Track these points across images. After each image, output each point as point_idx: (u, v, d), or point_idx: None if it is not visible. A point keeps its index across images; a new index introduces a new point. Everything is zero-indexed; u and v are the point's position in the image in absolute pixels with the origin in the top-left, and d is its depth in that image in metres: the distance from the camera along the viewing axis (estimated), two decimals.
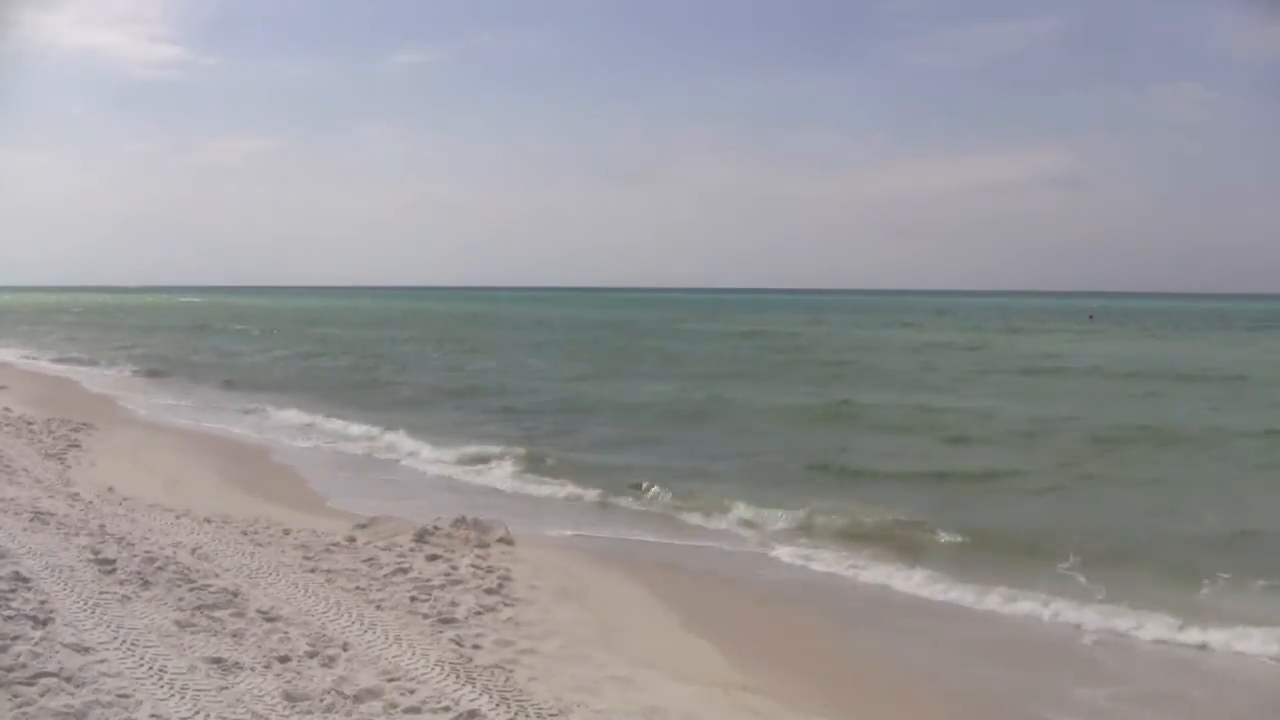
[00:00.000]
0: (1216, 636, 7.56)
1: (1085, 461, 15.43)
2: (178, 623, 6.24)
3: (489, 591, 7.98)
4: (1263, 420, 18.84)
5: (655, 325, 65.61)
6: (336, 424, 18.78)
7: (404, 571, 8.34)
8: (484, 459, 15.10)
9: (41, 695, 4.90)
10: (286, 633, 6.36)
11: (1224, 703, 6.79)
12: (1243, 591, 8.68)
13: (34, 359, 34.35)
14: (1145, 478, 14.21)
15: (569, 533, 10.91)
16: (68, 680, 5.09)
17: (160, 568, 7.44)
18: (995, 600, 8.53)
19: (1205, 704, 6.72)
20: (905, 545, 10.30)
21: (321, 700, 5.30)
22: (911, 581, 9.13)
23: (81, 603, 6.38)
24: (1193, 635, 7.64)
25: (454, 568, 8.58)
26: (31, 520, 8.61)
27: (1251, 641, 7.44)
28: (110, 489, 11.31)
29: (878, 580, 9.29)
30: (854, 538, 10.59)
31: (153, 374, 29.58)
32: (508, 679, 6.01)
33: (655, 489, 12.62)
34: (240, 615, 6.60)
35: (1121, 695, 6.81)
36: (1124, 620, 7.90)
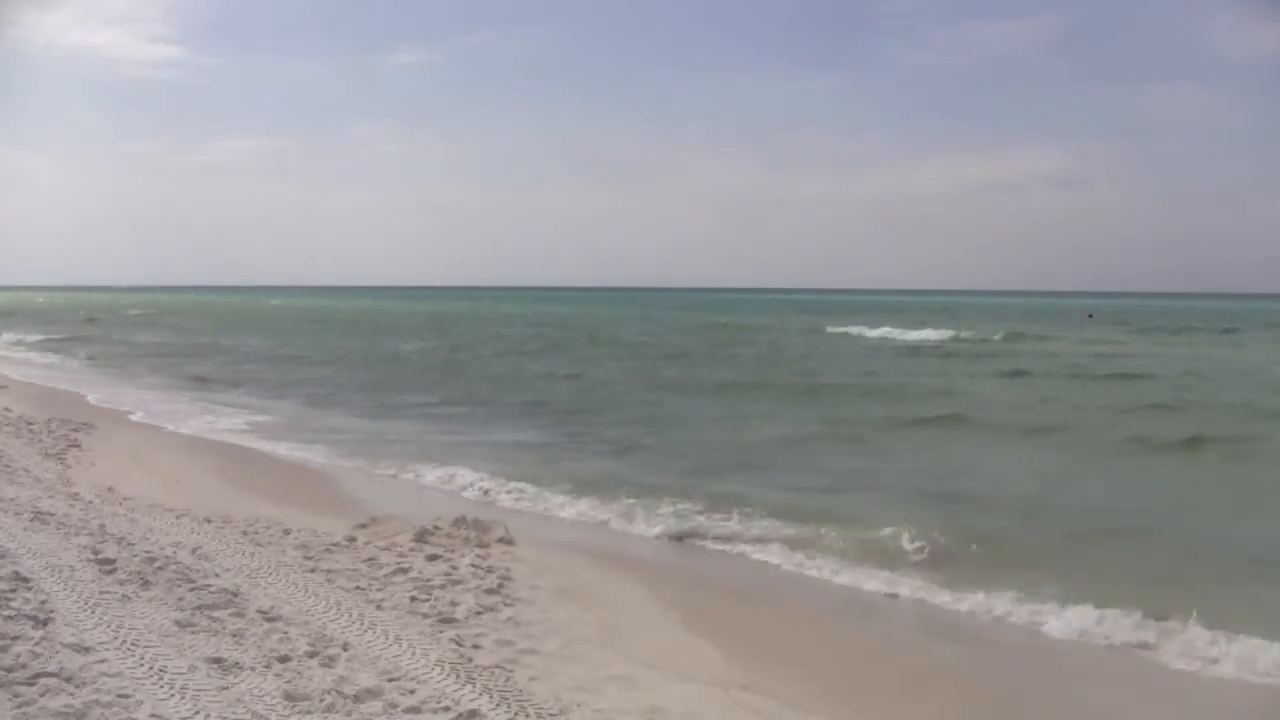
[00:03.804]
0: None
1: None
2: (178, 622, 6.24)
3: (489, 591, 7.98)
4: None
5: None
6: None
7: (404, 571, 8.34)
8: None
9: (41, 695, 4.90)
10: (287, 633, 6.36)
11: None
12: None
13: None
14: None
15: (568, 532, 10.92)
16: (68, 680, 5.09)
17: (160, 567, 7.44)
18: (1004, 609, 8.39)
19: None
20: (913, 554, 10.23)
21: (322, 700, 5.31)
22: (916, 585, 9.03)
23: (81, 602, 6.39)
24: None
25: (454, 567, 8.58)
26: (31, 520, 8.61)
27: None
28: (110, 489, 11.31)
29: (880, 582, 9.23)
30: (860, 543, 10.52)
31: None
32: (508, 679, 6.02)
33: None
34: (240, 615, 6.60)
35: (1126, 699, 6.82)
36: (1134, 631, 7.77)
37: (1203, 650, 7.27)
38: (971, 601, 8.49)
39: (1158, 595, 8.27)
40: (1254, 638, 7.28)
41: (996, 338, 48.51)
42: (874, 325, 56.18)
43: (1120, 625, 7.76)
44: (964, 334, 49.79)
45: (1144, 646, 7.53)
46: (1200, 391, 24.85)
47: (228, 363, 33.86)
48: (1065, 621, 7.95)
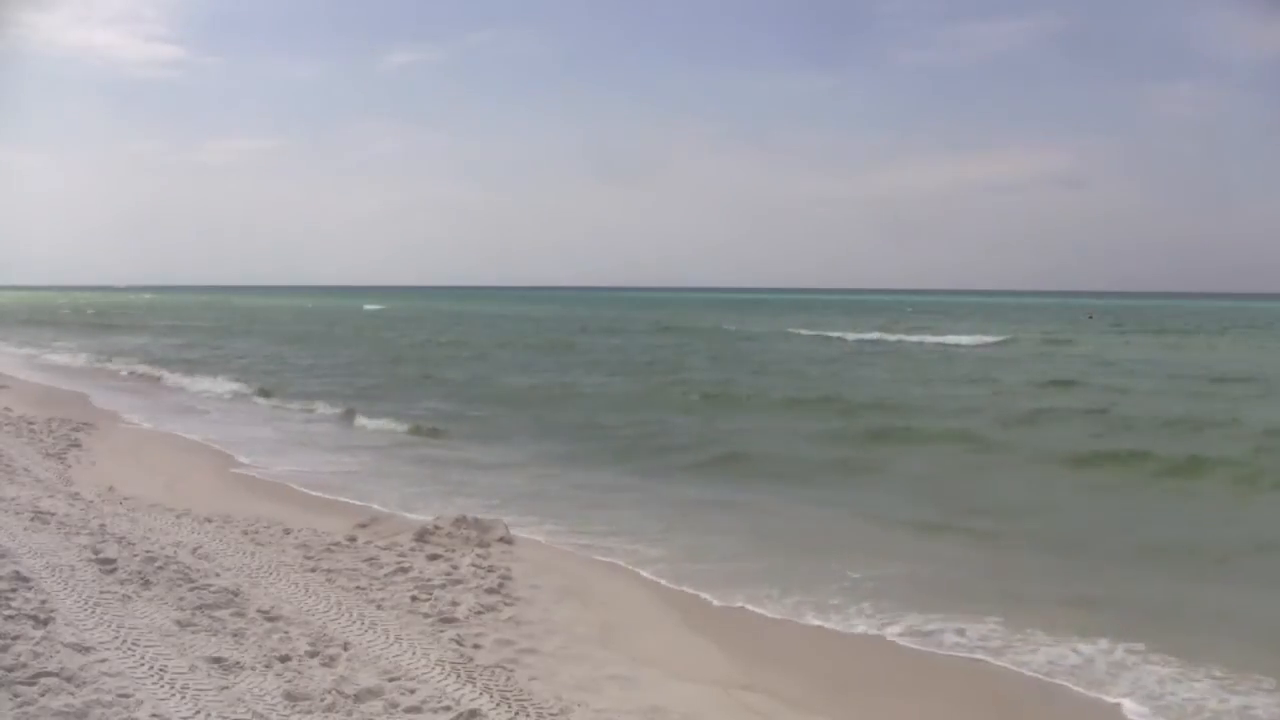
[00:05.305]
0: None
1: None
2: (178, 622, 6.24)
3: (489, 591, 7.99)
4: None
5: None
6: None
7: (404, 571, 8.35)
8: None
9: (42, 695, 4.90)
10: (287, 632, 6.36)
11: None
12: None
13: None
14: None
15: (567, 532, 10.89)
16: (68, 680, 5.10)
17: (161, 567, 7.44)
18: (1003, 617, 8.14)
19: None
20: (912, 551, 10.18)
21: (322, 700, 5.31)
22: (916, 586, 8.95)
23: (82, 602, 6.39)
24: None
25: (454, 567, 8.59)
26: (32, 520, 8.61)
27: None
28: (111, 488, 11.32)
29: (881, 582, 9.18)
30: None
31: None
32: (508, 678, 6.02)
33: None
34: (241, 615, 6.60)
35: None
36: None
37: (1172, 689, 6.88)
38: (972, 632, 7.91)
39: (1154, 628, 7.88)
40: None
41: (997, 340, 48.47)
42: (904, 331, 55.49)
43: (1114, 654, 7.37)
44: (964, 339, 49.56)
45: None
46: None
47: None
48: (1059, 646, 7.55)
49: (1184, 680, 6.97)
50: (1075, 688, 6.87)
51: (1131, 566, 9.93)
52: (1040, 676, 7.07)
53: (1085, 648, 7.48)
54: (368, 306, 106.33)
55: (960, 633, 7.83)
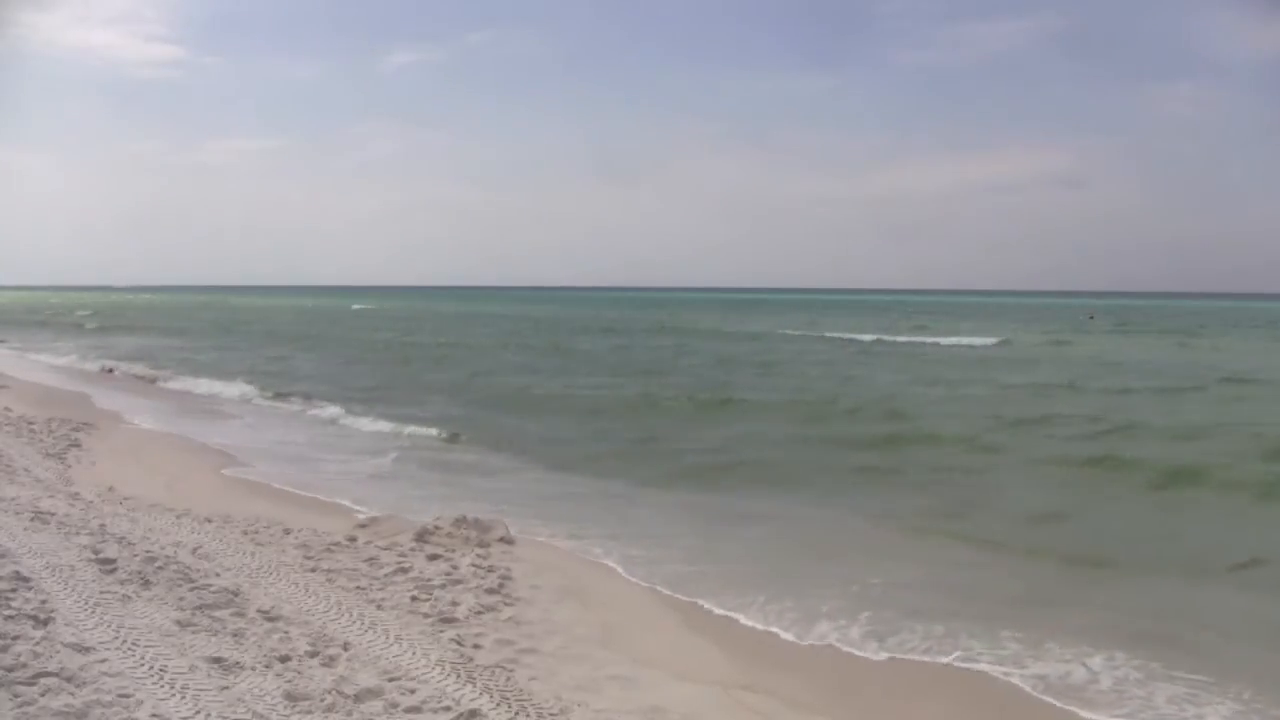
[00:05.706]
0: None
1: None
2: (178, 622, 6.25)
3: (489, 591, 7.99)
4: None
5: None
6: None
7: (404, 571, 8.35)
8: None
9: (42, 695, 4.90)
10: (287, 632, 6.36)
11: None
12: None
13: None
14: None
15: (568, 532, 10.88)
16: (68, 680, 5.10)
17: (161, 567, 7.44)
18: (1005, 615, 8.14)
19: None
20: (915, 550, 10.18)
21: (322, 700, 5.31)
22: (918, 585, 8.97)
23: (82, 602, 6.39)
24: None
25: (454, 567, 8.59)
26: (32, 520, 8.61)
27: None
28: (111, 488, 11.32)
29: (884, 588, 9.16)
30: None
31: None
32: (508, 678, 6.02)
33: None
34: (241, 615, 6.60)
35: None
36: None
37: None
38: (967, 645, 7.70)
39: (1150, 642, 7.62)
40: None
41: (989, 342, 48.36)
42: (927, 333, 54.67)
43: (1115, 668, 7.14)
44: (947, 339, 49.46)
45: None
46: None
47: None
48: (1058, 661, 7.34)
49: (1203, 702, 6.56)
50: (1076, 708, 6.60)
51: (1145, 575, 9.64)
52: (1043, 690, 6.90)
53: (1094, 661, 7.24)
54: (355, 306, 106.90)
55: (964, 640, 7.68)
